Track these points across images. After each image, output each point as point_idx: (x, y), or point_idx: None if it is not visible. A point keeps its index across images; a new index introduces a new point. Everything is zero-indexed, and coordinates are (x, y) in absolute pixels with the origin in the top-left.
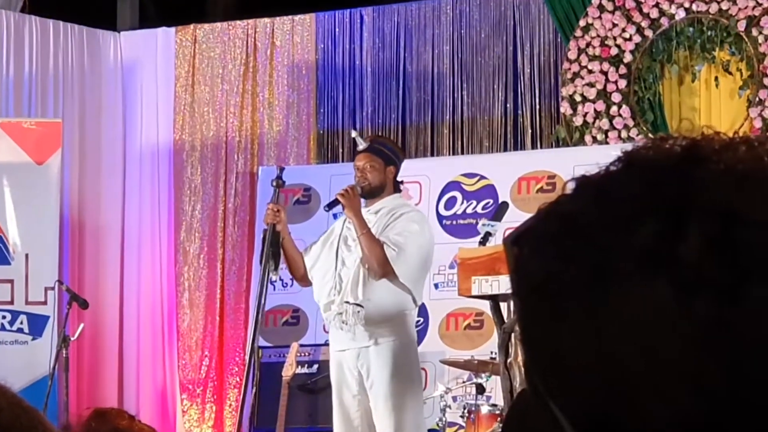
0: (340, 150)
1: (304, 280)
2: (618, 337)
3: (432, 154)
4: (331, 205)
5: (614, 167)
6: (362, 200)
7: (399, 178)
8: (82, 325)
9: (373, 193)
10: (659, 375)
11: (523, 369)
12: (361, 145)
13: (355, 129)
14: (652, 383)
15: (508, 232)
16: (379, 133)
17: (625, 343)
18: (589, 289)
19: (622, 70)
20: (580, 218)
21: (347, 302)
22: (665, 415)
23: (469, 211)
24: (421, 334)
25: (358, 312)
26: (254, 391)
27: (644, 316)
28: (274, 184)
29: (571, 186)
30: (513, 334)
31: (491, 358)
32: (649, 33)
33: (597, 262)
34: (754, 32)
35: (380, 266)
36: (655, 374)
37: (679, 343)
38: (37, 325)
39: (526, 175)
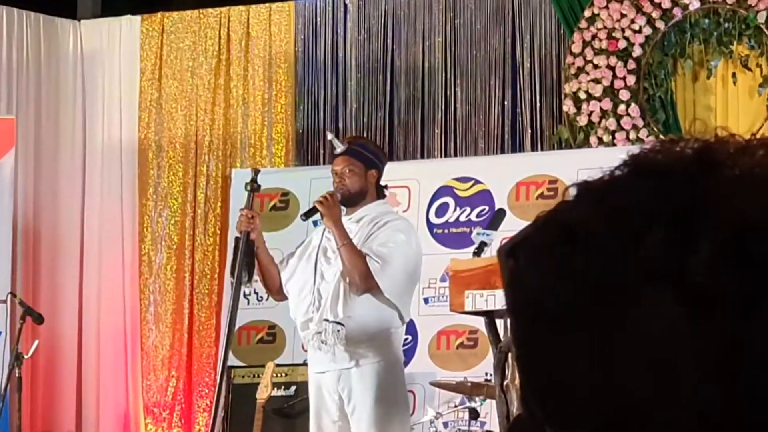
0: (321, 151)
1: (279, 294)
2: (624, 360)
3: (422, 156)
4: (308, 214)
5: (619, 172)
6: (342, 208)
7: (383, 183)
8: (36, 342)
9: (353, 200)
10: (670, 401)
11: (520, 392)
12: (339, 148)
13: (331, 130)
14: (662, 409)
15: (505, 242)
16: (365, 134)
17: (631, 366)
18: (591, 307)
19: (631, 65)
20: (582, 228)
21: (326, 320)
22: None
23: (462, 218)
24: (409, 353)
25: (338, 331)
26: (225, 415)
27: (652, 337)
28: (248, 188)
29: (572, 192)
30: (510, 354)
31: (486, 380)
32: (660, 25)
33: (600, 277)
34: None
35: (362, 280)
36: (665, 400)
37: (691, 365)
38: None
39: (525, 180)
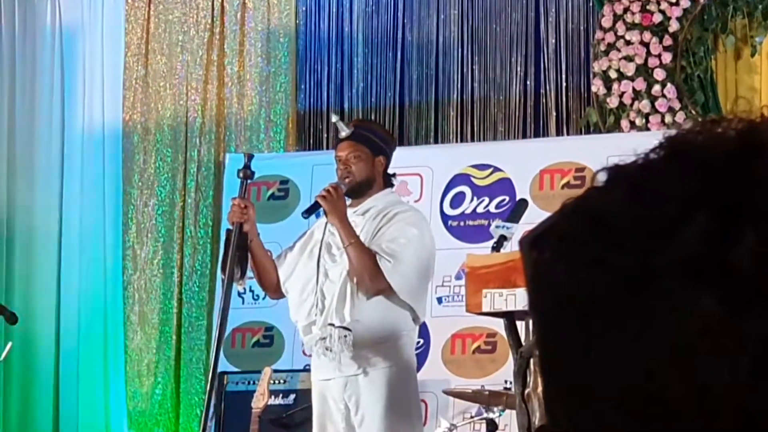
0: (324, 135)
1: (276, 292)
2: (656, 360)
3: (436, 141)
4: (309, 211)
5: (654, 155)
6: (347, 199)
7: (391, 170)
8: (10, 344)
9: (359, 191)
10: (703, 403)
11: (542, 401)
12: (344, 131)
13: (336, 112)
14: (695, 413)
15: (527, 233)
16: (372, 116)
17: (663, 366)
18: (622, 304)
19: (667, 41)
20: (612, 217)
21: (332, 324)
22: None
23: (480, 210)
24: (421, 358)
25: (345, 337)
26: (217, 425)
27: (686, 336)
28: (241, 175)
29: (601, 178)
30: (531, 360)
31: (505, 389)
32: None
33: (632, 271)
34: None
35: (373, 282)
36: (699, 403)
37: (726, 365)
38: None
39: (550, 168)
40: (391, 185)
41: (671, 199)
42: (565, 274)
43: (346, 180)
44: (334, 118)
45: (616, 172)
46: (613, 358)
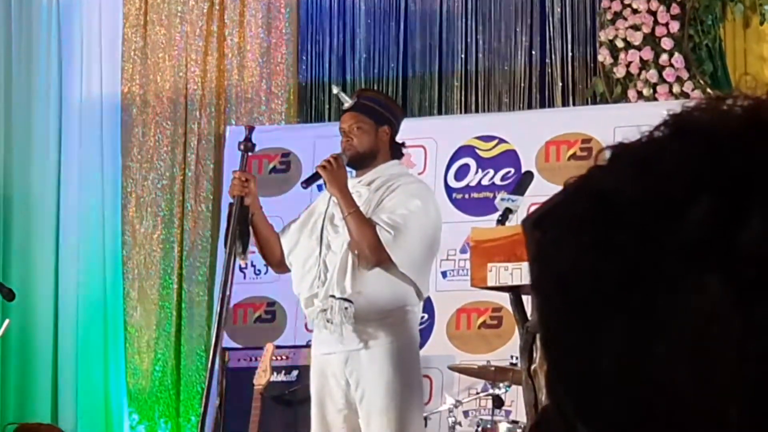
0: (327, 107)
1: (280, 267)
2: (661, 345)
3: (440, 113)
4: (309, 181)
5: (659, 133)
6: (351, 170)
7: (399, 140)
8: (7, 321)
9: (363, 161)
10: (709, 390)
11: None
12: (346, 103)
13: (338, 83)
14: (701, 399)
15: (533, 209)
16: (375, 87)
17: (668, 351)
18: (629, 289)
19: (675, 9)
20: (617, 197)
21: (333, 296)
22: None
23: (484, 182)
24: (425, 334)
25: (346, 308)
26: (219, 403)
27: (693, 320)
28: (242, 147)
29: (605, 156)
30: (538, 335)
31: (511, 364)
32: None
33: (637, 253)
34: None
35: (372, 253)
36: (705, 389)
37: (734, 351)
38: None
39: (556, 139)
40: (400, 155)
41: (677, 178)
42: (568, 256)
43: (349, 151)
44: (335, 90)
45: (619, 150)
46: (617, 341)
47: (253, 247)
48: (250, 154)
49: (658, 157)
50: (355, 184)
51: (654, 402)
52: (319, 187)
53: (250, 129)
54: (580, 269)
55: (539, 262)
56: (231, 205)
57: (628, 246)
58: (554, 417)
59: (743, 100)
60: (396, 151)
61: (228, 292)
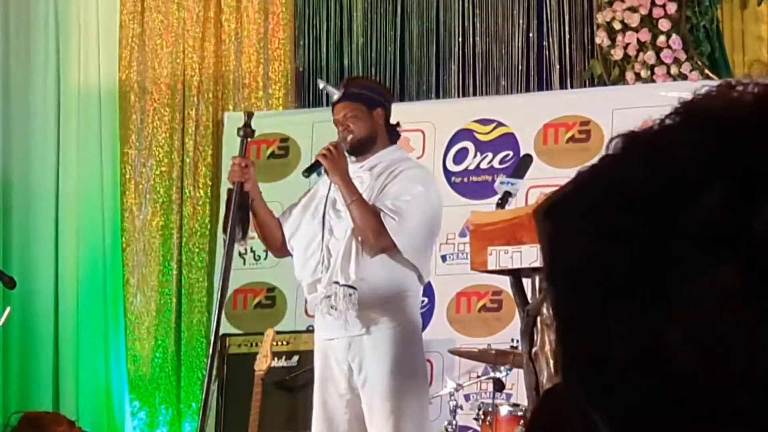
0: (325, 92)
1: (281, 251)
2: (673, 332)
3: (437, 96)
4: (310, 170)
5: (670, 121)
6: (351, 158)
7: (393, 121)
8: (8, 309)
9: (363, 147)
10: (720, 377)
11: (552, 361)
12: (335, 94)
13: (322, 78)
14: (712, 386)
15: (531, 192)
16: (373, 71)
17: (680, 339)
18: (641, 276)
19: None
20: (629, 185)
21: (337, 282)
22: (731, 429)
23: (483, 165)
24: (425, 318)
25: (351, 295)
26: (219, 389)
27: (705, 307)
28: (241, 133)
29: (617, 144)
30: (539, 318)
31: (512, 347)
32: None
33: (650, 241)
34: None
35: (377, 240)
36: (716, 376)
37: (746, 338)
38: None
39: (554, 122)
40: (397, 136)
41: (689, 165)
42: (581, 244)
43: (348, 139)
44: (321, 84)
45: (631, 138)
46: (630, 329)
47: (252, 232)
48: (249, 140)
49: (669, 144)
50: (357, 169)
51: (666, 389)
52: (318, 173)
53: (250, 115)
54: (592, 257)
55: (551, 251)
56: (230, 190)
57: (640, 234)
58: (568, 404)
59: (754, 87)
60: (392, 133)
61: (228, 278)
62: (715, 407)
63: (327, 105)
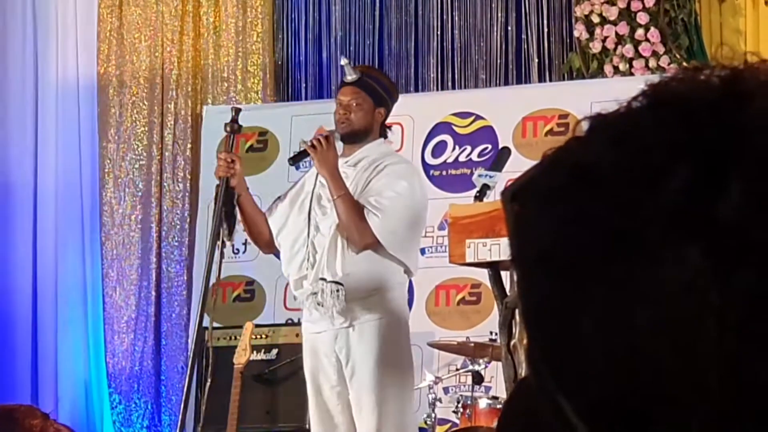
0: (303, 85)
1: (269, 247)
2: (640, 317)
3: (416, 90)
4: (296, 158)
5: (637, 104)
6: (340, 146)
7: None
8: None
9: (355, 138)
10: (688, 362)
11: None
12: (350, 76)
13: (345, 56)
14: (680, 371)
15: (508, 185)
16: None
17: (647, 323)
18: (607, 260)
19: None
20: (595, 169)
21: (323, 279)
22: (700, 412)
23: (462, 158)
24: None
25: (338, 291)
26: (199, 382)
27: (672, 291)
28: (228, 129)
29: (583, 127)
30: (517, 311)
31: (491, 340)
32: None
33: (616, 225)
34: None
35: (361, 237)
36: (684, 361)
37: (714, 325)
38: None
39: (533, 115)
40: (385, 136)
41: (655, 149)
42: (547, 229)
43: (343, 125)
44: (343, 61)
45: (597, 121)
46: (597, 314)
47: (238, 227)
48: (236, 135)
49: (635, 127)
50: (342, 164)
51: (636, 373)
52: (297, 167)
53: (237, 110)
54: (558, 241)
55: (518, 235)
56: (217, 186)
57: (606, 217)
58: (535, 392)
59: (720, 71)
60: (383, 131)
61: (219, 273)
62: (684, 390)
63: (306, 99)
